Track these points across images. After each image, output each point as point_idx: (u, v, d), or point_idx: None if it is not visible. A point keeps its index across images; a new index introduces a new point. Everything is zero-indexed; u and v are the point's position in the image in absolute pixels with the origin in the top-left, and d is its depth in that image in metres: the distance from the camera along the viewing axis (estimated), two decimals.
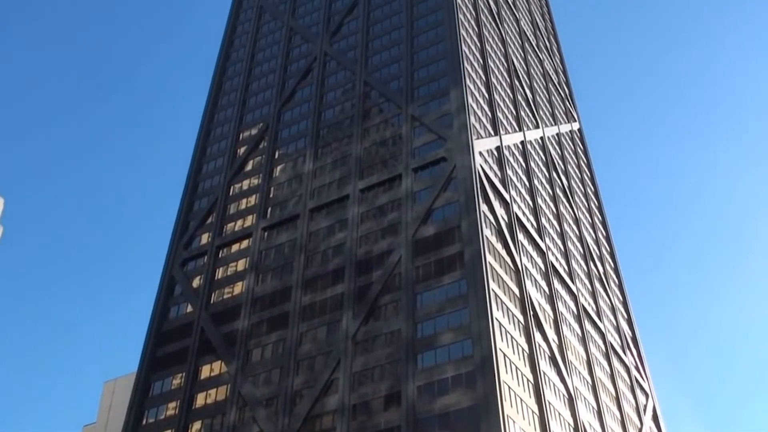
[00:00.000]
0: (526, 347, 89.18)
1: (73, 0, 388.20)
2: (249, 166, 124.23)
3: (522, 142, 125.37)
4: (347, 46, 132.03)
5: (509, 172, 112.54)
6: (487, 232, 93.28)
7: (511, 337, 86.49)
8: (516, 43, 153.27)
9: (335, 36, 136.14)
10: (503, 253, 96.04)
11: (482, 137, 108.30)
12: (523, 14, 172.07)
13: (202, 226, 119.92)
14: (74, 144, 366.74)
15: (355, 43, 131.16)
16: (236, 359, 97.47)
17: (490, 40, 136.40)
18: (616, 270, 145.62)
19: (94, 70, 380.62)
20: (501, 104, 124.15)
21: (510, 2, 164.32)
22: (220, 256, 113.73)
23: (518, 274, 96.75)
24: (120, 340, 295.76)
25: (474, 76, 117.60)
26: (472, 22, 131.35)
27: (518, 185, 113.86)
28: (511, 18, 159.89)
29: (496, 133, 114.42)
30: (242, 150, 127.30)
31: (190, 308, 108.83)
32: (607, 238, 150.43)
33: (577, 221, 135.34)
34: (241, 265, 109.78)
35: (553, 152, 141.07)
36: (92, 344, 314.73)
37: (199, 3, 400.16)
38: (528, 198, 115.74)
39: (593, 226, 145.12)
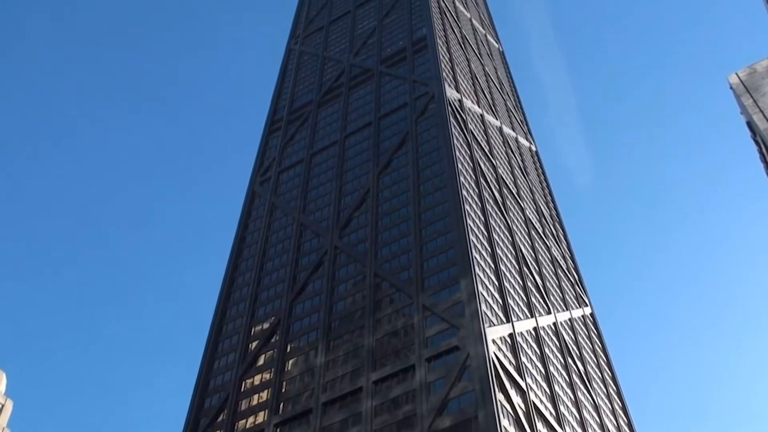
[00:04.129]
0: None
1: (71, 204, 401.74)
2: (261, 361, 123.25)
3: (535, 329, 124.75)
4: (357, 239, 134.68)
5: (524, 359, 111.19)
6: (505, 422, 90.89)
7: None
8: (522, 231, 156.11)
9: (345, 229, 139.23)
10: None
11: (494, 325, 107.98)
12: (527, 203, 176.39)
13: (213, 424, 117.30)
14: (82, 336, 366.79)
15: (365, 236, 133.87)
16: None
17: (497, 228, 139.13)
18: None
19: (113, 263, 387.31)
20: (511, 291, 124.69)
21: (514, 192, 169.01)
22: None
23: None
24: None
25: (483, 265, 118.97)
26: (479, 212, 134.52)
27: (534, 372, 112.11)
28: (516, 207, 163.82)
29: (508, 320, 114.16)
30: (254, 345, 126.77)
31: None
32: (629, 425, 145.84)
33: (596, 408, 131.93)
34: None
35: (567, 338, 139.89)
36: None
37: (213, 199, 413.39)
38: (545, 385, 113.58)
39: (614, 412, 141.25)
